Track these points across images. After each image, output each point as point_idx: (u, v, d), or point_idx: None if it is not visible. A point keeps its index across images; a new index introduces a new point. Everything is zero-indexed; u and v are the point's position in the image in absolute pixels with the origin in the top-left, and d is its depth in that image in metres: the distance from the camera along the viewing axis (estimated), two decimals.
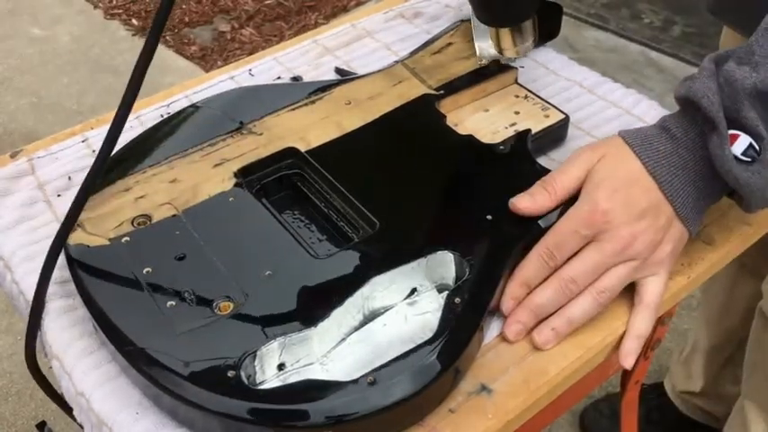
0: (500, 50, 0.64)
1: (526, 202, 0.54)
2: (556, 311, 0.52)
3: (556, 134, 0.66)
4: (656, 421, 1.21)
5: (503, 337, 0.52)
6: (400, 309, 0.51)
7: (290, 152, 0.61)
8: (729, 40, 0.88)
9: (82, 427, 0.50)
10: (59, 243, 0.50)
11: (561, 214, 0.53)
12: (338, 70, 0.75)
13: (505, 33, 0.61)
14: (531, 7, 0.60)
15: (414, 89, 0.67)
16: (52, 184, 0.64)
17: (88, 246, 0.53)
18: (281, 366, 0.47)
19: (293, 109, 0.65)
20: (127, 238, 0.53)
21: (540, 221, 0.54)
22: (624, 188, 0.52)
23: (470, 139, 0.62)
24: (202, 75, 0.91)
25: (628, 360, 0.53)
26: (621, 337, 0.53)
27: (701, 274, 0.57)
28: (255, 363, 0.46)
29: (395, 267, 0.51)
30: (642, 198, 0.52)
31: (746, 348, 0.99)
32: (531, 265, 0.52)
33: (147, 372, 0.46)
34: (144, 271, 0.51)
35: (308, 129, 0.63)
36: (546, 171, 0.59)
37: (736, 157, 0.49)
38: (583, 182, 0.54)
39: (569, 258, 0.52)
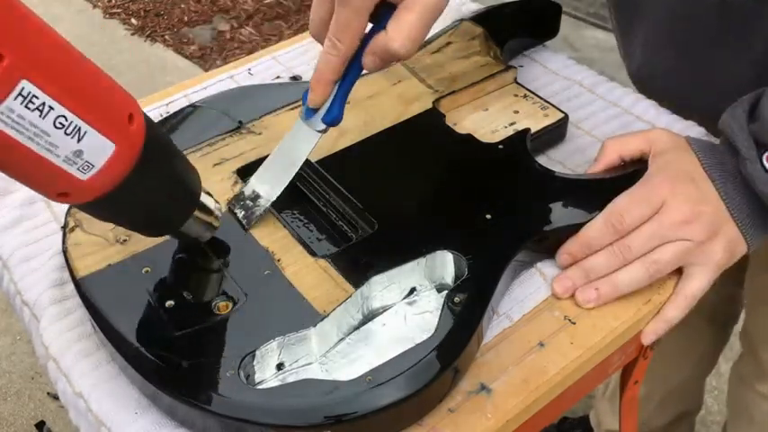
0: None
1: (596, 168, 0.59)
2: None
3: (555, 133, 0.66)
4: None
5: (552, 293, 0.53)
6: (399, 308, 0.51)
7: None
8: None
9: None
10: None
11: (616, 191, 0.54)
12: None
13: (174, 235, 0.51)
14: (179, 214, 0.48)
15: (413, 88, 0.67)
16: None
17: (87, 246, 0.53)
18: (279, 366, 0.47)
19: (292, 108, 0.65)
20: (125, 238, 0.53)
21: (539, 221, 0.54)
22: (689, 180, 0.54)
23: (469, 139, 0.62)
24: (201, 74, 0.91)
25: (647, 338, 0.55)
26: (620, 337, 0.53)
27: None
28: (254, 362, 0.46)
29: (394, 267, 0.51)
30: (704, 189, 0.54)
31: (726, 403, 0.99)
32: (596, 227, 0.53)
33: (146, 372, 0.45)
34: (143, 271, 0.51)
35: None
36: (545, 170, 0.59)
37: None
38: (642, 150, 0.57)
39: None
